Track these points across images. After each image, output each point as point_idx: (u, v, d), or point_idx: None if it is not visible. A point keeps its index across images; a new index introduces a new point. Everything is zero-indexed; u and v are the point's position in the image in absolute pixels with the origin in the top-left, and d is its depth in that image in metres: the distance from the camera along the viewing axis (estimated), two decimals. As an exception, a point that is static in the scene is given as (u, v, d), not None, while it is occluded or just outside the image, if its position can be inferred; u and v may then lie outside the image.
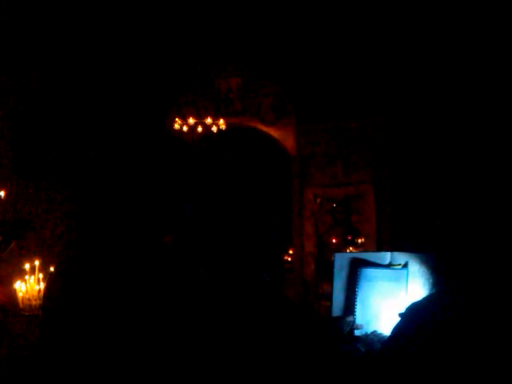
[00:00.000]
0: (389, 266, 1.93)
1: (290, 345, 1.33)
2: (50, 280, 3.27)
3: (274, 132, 7.40)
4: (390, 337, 1.43)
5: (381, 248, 6.42)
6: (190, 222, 1.36)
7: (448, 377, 1.19)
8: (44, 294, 3.06)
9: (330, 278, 1.99)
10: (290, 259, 7.41)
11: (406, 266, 1.89)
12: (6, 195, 3.90)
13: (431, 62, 6.13)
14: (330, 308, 1.95)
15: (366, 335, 1.85)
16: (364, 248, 6.71)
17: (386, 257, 1.94)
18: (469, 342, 1.21)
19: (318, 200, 7.10)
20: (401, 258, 1.92)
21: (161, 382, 1.20)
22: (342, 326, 1.83)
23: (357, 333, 1.87)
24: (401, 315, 1.39)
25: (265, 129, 7.40)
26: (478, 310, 1.25)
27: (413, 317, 1.33)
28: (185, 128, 6.96)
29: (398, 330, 1.37)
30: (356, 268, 1.92)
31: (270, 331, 1.32)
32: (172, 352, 1.19)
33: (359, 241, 6.87)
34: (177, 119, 6.92)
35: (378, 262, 1.93)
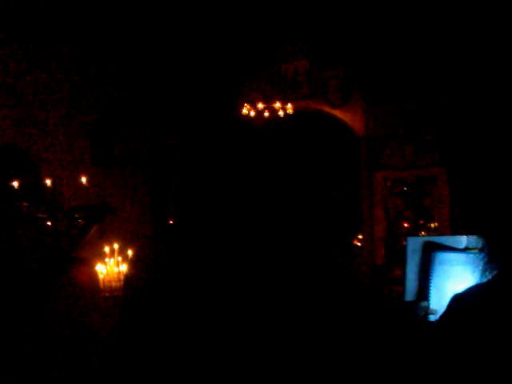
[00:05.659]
0: (465, 250, 1.87)
1: (369, 325, 1.33)
2: (130, 264, 3.43)
3: (341, 114, 7.30)
4: (435, 325, 1.39)
5: (455, 233, 6.21)
6: (261, 206, 1.37)
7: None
8: (124, 278, 3.22)
9: (401, 263, 1.96)
10: (359, 244, 7.33)
11: (483, 249, 1.83)
12: (87, 181, 4.13)
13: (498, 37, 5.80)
14: (402, 293, 1.93)
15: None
16: (437, 233, 6.52)
17: (462, 240, 1.88)
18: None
19: (389, 183, 6.95)
20: (478, 241, 1.86)
21: (240, 359, 1.22)
22: (416, 310, 1.81)
23: (431, 318, 1.84)
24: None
25: (332, 111, 7.32)
26: None
27: (455, 308, 1.27)
28: (252, 113, 7.02)
29: (441, 319, 1.33)
30: (430, 252, 1.87)
31: (345, 311, 1.32)
32: (254, 331, 1.22)
33: (432, 225, 6.67)
34: (245, 104, 6.99)
35: (454, 245, 1.88)
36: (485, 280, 1.31)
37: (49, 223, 3.60)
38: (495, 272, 1.31)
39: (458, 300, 1.28)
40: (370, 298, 1.44)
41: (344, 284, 1.38)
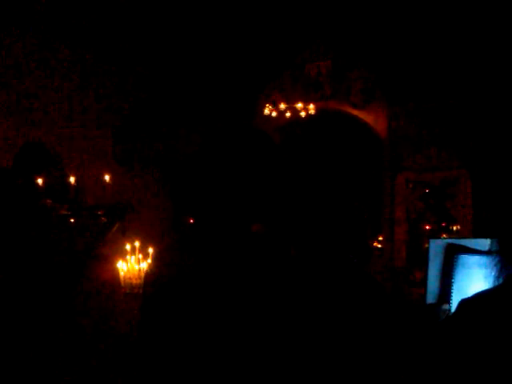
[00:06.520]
0: (488, 252, 1.84)
1: (383, 326, 1.32)
2: (152, 262, 3.47)
3: (363, 115, 7.25)
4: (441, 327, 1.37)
5: (478, 235, 6.11)
6: (279, 209, 1.38)
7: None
8: (145, 275, 3.25)
9: (422, 265, 1.94)
10: (379, 246, 7.27)
11: (500, 253, 1.79)
12: (110, 179, 4.19)
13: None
14: (424, 295, 1.91)
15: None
16: (459, 235, 6.43)
17: (486, 243, 1.85)
18: None
19: (410, 185, 6.89)
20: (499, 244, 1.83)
21: (254, 365, 1.23)
22: (437, 313, 1.79)
23: (453, 321, 1.81)
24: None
25: (354, 112, 7.28)
26: None
27: (462, 314, 1.24)
28: (274, 114, 7.02)
29: (447, 324, 1.30)
30: (452, 255, 1.85)
31: (360, 313, 1.31)
32: (266, 334, 1.22)
33: (454, 228, 6.59)
34: (267, 105, 7.00)
35: (477, 248, 1.85)
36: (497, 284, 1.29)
37: (72, 220, 3.65)
38: (506, 277, 1.29)
39: (465, 305, 1.26)
40: (383, 299, 1.43)
41: (356, 284, 1.37)
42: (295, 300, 1.27)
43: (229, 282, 1.26)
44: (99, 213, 3.57)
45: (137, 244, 4.08)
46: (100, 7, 5.89)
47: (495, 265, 1.29)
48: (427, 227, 6.72)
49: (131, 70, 6.83)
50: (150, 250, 4.06)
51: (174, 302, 1.30)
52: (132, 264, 4.02)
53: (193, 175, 1.47)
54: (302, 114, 6.93)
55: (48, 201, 3.53)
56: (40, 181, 3.56)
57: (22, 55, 5.73)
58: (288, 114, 6.99)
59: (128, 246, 4.08)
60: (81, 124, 6.36)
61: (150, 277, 1.52)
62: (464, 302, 1.26)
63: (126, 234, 3.91)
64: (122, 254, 4.00)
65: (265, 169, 1.39)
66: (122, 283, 4.04)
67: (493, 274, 1.29)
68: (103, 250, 3.62)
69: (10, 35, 5.58)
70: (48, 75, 6.03)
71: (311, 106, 6.94)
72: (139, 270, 3.96)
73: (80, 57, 6.34)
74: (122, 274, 4.03)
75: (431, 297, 1.88)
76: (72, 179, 3.83)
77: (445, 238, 5.49)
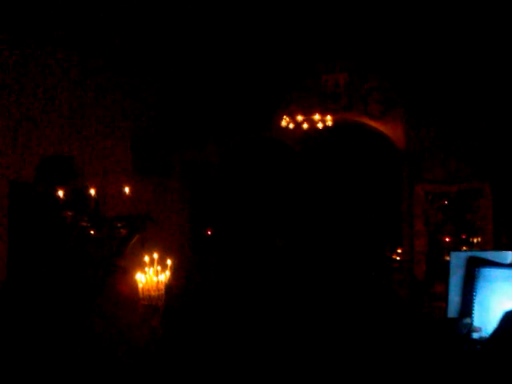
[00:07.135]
0: (511, 265, 1.82)
1: (403, 341, 1.31)
2: (171, 276, 3.49)
3: (381, 127, 7.22)
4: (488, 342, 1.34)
5: (498, 248, 6.02)
6: (299, 222, 1.38)
7: None
8: (166, 287, 3.26)
9: (443, 278, 1.92)
10: (398, 258, 7.21)
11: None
12: (130, 191, 4.23)
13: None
14: (445, 309, 1.89)
15: (486, 338, 1.76)
16: (480, 248, 6.35)
17: (508, 256, 1.83)
18: None
19: (430, 197, 6.83)
20: (524, 258, 1.80)
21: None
22: (458, 327, 1.76)
23: (474, 336, 1.79)
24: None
25: (372, 123, 7.26)
26: None
27: (508, 325, 1.21)
28: (291, 125, 7.03)
29: (493, 337, 1.28)
30: (474, 268, 1.83)
31: (379, 326, 1.30)
32: (289, 346, 1.22)
33: (475, 240, 6.50)
34: (284, 116, 7.01)
35: (499, 261, 1.83)
36: None
37: (91, 232, 3.69)
38: None
39: (510, 317, 1.23)
40: (403, 313, 1.42)
41: (375, 297, 1.37)
42: (315, 313, 1.26)
43: (250, 296, 1.26)
44: (119, 225, 3.60)
45: (155, 256, 4.09)
46: (122, 18, 5.97)
47: None
48: (447, 239, 6.64)
49: (151, 82, 6.91)
50: (169, 262, 4.07)
51: (195, 315, 1.31)
52: (151, 276, 4.03)
53: (213, 187, 1.48)
54: (320, 125, 6.93)
55: (68, 213, 3.58)
56: (61, 193, 3.61)
57: (37, 65, 5.82)
58: (305, 126, 7.00)
59: (147, 258, 4.09)
60: (100, 136, 6.44)
61: (171, 289, 1.53)
62: (509, 314, 1.23)
63: (146, 245, 3.94)
64: (141, 266, 4.01)
65: (286, 182, 1.40)
66: (141, 295, 4.04)
67: None
68: (122, 262, 3.64)
69: (26, 46, 5.69)
70: (67, 87, 6.12)
71: (328, 118, 6.94)
72: (158, 281, 3.97)
73: (99, 68, 6.44)
74: (140, 285, 4.04)
75: (452, 310, 1.86)
76: (92, 191, 3.88)
77: (466, 251, 5.42)
